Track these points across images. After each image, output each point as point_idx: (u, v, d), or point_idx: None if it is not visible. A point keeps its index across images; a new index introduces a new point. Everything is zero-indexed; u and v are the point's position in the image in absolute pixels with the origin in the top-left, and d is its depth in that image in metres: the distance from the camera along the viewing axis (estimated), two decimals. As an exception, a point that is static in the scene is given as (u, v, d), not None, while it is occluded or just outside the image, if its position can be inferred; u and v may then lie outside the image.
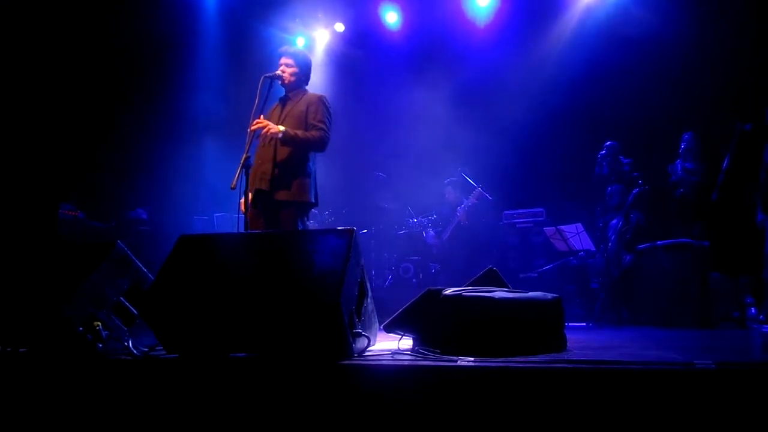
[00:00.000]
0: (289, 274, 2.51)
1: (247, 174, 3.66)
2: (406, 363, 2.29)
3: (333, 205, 7.49)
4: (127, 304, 2.93)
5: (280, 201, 3.80)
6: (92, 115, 6.97)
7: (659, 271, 5.29)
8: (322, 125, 3.86)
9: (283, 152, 3.84)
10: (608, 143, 6.22)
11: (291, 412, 2.18)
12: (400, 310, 2.76)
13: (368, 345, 2.65)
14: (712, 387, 1.87)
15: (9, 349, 2.74)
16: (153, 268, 3.05)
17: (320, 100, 3.94)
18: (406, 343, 2.76)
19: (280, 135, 3.73)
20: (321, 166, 4.11)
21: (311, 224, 4.08)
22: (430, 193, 7.72)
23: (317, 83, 7.72)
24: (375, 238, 7.76)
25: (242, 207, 3.85)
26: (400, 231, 7.87)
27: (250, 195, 3.85)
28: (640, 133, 6.73)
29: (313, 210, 4.25)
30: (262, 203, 3.84)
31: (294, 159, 3.84)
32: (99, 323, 2.74)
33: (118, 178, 7.27)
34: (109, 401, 2.37)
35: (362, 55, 8.71)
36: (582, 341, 3.42)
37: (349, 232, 2.55)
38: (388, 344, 2.84)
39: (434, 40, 8.17)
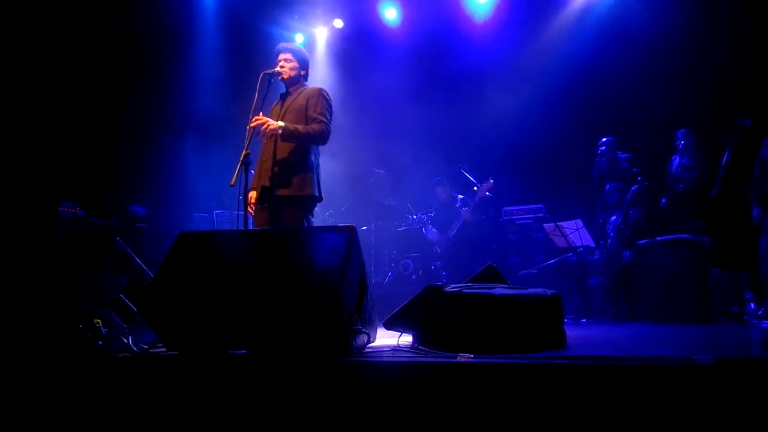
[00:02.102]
0: (289, 271, 2.51)
1: (246, 171, 3.65)
2: (405, 359, 2.29)
3: (333, 203, 7.49)
4: (126, 301, 2.94)
5: (283, 197, 3.78)
6: (92, 112, 6.96)
7: (659, 267, 5.30)
8: (322, 118, 3.84)
9: (284, 148, 3.83)
10: (605, 139, 6.23)
11: (291, 408, 2.19)
12: (400, 306, 2.76)
13: (368, 342, 2.66)
14: (711, 382, 1.87)
15: (8, 346, 2.75)
16: (153, 265, 3.06)
17: (319, 93, 3.93)
18: (406, 339, 2.77)
19: (280, 131, 3.72)
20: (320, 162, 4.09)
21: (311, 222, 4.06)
22: (430, 189, 7.72)
23: (317, 80, 7.74)
24: (375, 235, 7.76)
25: (249, 207, 3.85)
26: (399, 228, 7.87)
27: (255, 192, 3.85)
28: (640, 129, 6.72)
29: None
30: (266, 200, 3.84)
31: (295, 154, 3.82)
32: (99, 320, 2.75)
33: (118, 175, 7.26)
34: (109, 398, 2.37)
35: (361, 51, 8.70)
36: (581, 337, 3.43)
37: (349, 229, 2.55)
38: (388, 341, 2.85)
39: (433, 36, 8.16)
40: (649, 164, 6.11)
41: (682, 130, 5.94)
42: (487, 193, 6.56)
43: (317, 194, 3.90)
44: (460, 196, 6.84)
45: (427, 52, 8.21)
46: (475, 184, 6.97)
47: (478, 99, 7.72)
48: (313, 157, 3.91)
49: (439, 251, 7.05)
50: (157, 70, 7.52)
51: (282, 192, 3.78)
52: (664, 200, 6.02)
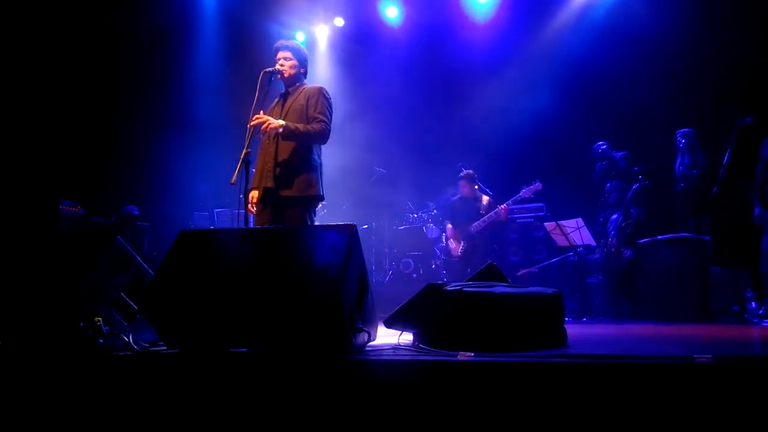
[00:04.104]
0: (290, 270, 2.51)
1: (247, 170, 3.65)
2: (406, 358, 2.29)
3: (333, 201, 7.49)
4: (127, 299, 2.94)
5: (286, 197, 3.77)
6: (92, 111, 6.97)
7: (659, 265, 5.30)
8: (322, 117, 3.83)
9: (286, 147, 3.82)
10: (598, 145, 6.25)
11: (291, 407, 2.19)
12: (401, 305, 2.76)
13: (369, 340, 2.66)
14: (711, 381, 1.87)
15: (9, 345, 2.75)
16: (153, 263, 3.06)
17: (320, 92, 3.92)
18: (407, 338, 2.77)
19: (281, 130, 3.71)
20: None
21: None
22: (431, 188, 7.71)
23: (318, 78, 7.74)
24: (375, 233, 7.77)
25: (250, 207, 3.85)
26: (400, 226, 7.87)
27: (256, 193, 3.85)
28: (640, 128, 6.73)
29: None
30: (269, 200, 3.83)
31: (297, 153, 3.82)
32: (100, 318, 2.75)
33: (119, 174, 7.27)
34: (110, 397, 2.37)
35: (362, 50, 8.70)
36: (582, 335, 3.43)
37: (350, 228, 2.55)
38: (388, 339, 2.85)
39: (434, 35, 8.17)
40: (650, 163, 6.11)
41: (682, 130, 5.94)
42: (531, 195, 6.39)
43: (321, 193, 3.90)
44: (487, 197, 6.65)
45: (427, 50, 8.20)
46: (476, 183, 6.95)
47: (479, 97, 7.72)
48: (315, 157, 3.90)
49: (454, 248, 6.84)
50: (157, 69, 7.53)
51: (286, 193, 3.77)
52: (668, 201, 6.01)
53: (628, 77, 6.89)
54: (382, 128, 7.92)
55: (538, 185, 6.27)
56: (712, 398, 1.85)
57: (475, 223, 6.46)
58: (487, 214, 6.43)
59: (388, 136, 7.98)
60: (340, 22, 8.67)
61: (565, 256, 6.35)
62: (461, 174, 6.77)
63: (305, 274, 2.46)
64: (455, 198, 6.91)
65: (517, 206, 7.37)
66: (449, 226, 6.79)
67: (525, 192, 6.34)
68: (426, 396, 2.07)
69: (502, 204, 6.36)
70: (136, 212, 6.75)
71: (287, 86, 4.02)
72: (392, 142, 8.01)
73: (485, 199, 6.60)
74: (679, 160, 5.98)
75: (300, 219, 3.77)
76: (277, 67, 3.93)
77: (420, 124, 8.18)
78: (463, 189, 6.76)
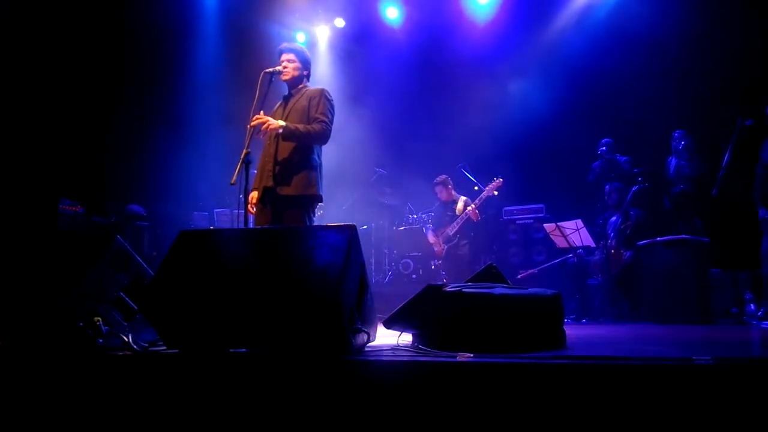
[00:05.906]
0: (289, 270, 2.52)
1: (247, 170, 3.66)
2: (405, 359, 2.29)
3: (333, 201, 7.49)
4: (127, 299, 2.94)
5: (285, 196, 3.79)
6: (92, 110, 6.97)
7: (659, 267, 5.30)
8: (323, 118, 3.85)
9: (286, 147, 3.84)
10: (604, 141, 6.24)
11: (291, 407, 2.19)
12: (400, 306, 2.76)
13: (368, 341, 2.66)
14: (710, 383, 1.87)
15: (9, 345, 2.75)
16: (153, 263, 3.06)
17: (321, 93, 3.94)
18: (406, 339, 2.77)
19: (281, 130, 3.73)
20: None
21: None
22: (431, 189, 7.72)
23: (318, 78, 7.74)
24: (375, 234, 7.76)
25: (250, 207, 3.86)
26: (400, 227, 7.87)
27: (256, 193, 3.86)
28: (641, 129, 6.73)
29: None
30: (268, 200, 3.84)
31: (297, 153, 3.83)
32: (99, 318, 2.75)
33: (118, 173, 7.27)
34: (110, 397, 2.37)
35: (363, 50, 8.71)
36: (581, 337, 3.43)
37: (350, 228, 2.55)
38: (387, 340, 2.85)
39: (434, 36, 8.17)
40: (650, 164, 6.11)
41: (679, 131, 5.95)
42: (495, 192, 6.50)
43: (320, 193, 3.91)
44: (464, 198, 6.76)
45: (428, 51, 8.21)
46: (476, 184, 6.96)
47: (479, 98, 7.72)
48: (315, 157, 3.92)
49: (438, 250, 7.00)
50: (157, 68, 7.53)
51: (286, 191, 3.78)
52: (666, 203, 6.02)
53: (628, 78, 6.90)
54: (382, 129, 7.92)
55: (499, 181, 6.42)
56: (712, 400, 1.85)
57: (450, 226, 6.64)
58: (460, 216, 6.58)
59: (388, 136, 7.99)
60: (340, 22, 8.67)
61: (565, 257, 6.36)
62: (436, 180, 6.92)
63: (305, 274, 2.46)
64: (436, 204, 7.09)
65: (515, 207, 7.40)
66: (429, 232, 7.01)
67: (488, 190, 6.47)
68: (425, 397, 2.07)
69: (470, 205, 6.50)
70: (142, 212, 6.76)
71: (290, 88, 4.04)
72: (392, 143, 8.01)
73: (461, 201, 6.71)
74: (674, 163, 5.98)
75: (299, 219, 3.78)
76: (280, 68, 3.95)
77: (420, 124, 8.18)
78: (440, 194, 6.94)
